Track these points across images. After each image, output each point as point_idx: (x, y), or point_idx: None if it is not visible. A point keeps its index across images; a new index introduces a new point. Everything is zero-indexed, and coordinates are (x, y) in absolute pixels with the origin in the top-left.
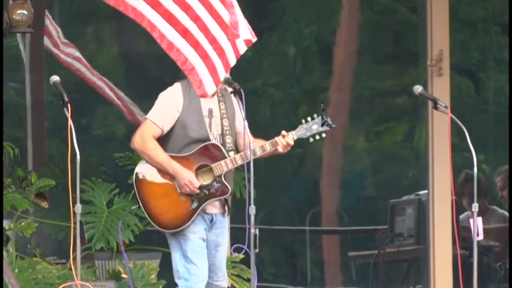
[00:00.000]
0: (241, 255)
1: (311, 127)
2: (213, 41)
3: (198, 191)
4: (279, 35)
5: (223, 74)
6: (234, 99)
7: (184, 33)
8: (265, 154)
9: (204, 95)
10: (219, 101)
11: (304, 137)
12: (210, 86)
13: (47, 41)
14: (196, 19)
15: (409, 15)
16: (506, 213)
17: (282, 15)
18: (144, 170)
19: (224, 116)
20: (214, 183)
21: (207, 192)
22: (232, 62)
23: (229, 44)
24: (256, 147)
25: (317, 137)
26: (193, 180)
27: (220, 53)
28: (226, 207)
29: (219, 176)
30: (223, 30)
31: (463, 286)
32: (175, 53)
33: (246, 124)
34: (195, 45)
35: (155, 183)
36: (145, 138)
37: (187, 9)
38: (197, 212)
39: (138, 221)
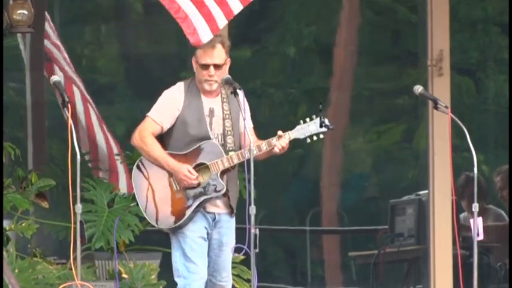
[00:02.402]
0: (242, 256)
1: (308, 128)
2: None
3: (196, 183)
4: (278, 35)
5: (223, 22)
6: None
7: None
8: (261, 154)
9: (197, 43)
10: (222, 102)
11: (301, 138)
12: (205, 34)
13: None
14: None
15: (409, 15)
16: (503, 212)
17: (282, 15)
18: (141, 167)
19: (227, 116)
20: (211, 181)
21: (202, 190)
22: (236, 9)
23: None
24: (253, 146)
25: (314, 138)
26: (189, 174)
27: (220, 2)
28: (231, 208)
29: (216, 175)
30: None
31: (463, 286)
32: (167, 1)
33: (247, 124)
34: None
35: (152, 180)
36: (144, 135)
37: None
38: (192, 209)
39: (139, 221)
